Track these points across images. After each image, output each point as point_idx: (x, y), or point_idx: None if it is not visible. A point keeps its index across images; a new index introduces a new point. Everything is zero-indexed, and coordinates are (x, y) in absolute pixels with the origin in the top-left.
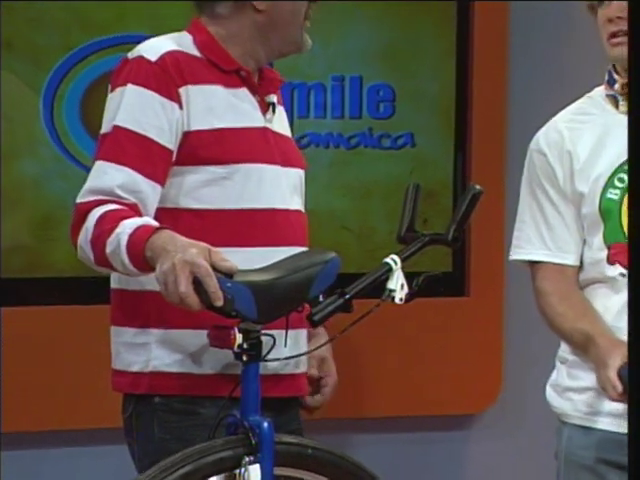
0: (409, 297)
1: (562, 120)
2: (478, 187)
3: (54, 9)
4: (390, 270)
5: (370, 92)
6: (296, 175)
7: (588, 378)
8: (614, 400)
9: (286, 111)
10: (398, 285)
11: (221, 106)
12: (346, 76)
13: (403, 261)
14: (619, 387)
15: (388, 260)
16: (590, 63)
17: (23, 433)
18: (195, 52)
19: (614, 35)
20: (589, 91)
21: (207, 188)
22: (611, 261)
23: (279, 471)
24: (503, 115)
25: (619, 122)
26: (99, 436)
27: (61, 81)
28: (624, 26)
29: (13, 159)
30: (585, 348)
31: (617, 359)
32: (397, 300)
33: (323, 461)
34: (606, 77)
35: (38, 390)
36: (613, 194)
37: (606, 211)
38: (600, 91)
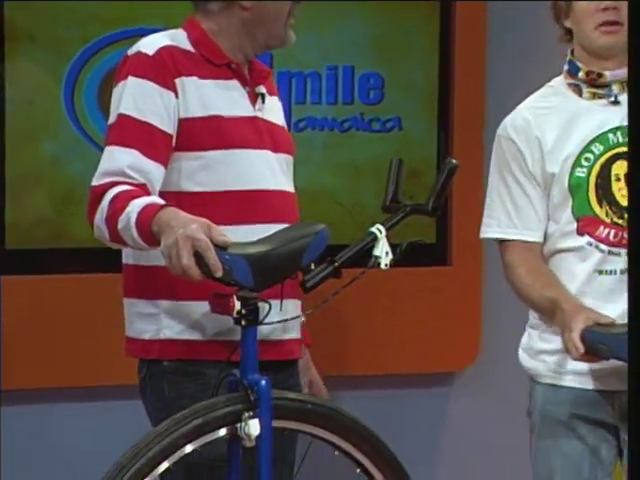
0: (393, 262)
1: (527, 108)
2: (454, 161)
3: (74, 6)
4: (376, 239)
5: (361, 80)
6: (285, 160)
7: (558, 341)
8: (577, 360)
9: (284, 97)
10: (383, 252)
11: (213, 96)
12: (339, 65)
13: (387, 230)
14: (581, 348)
15: (373, 229)
16: (561, 52)
17: (40, 389)
18: (189, 47)
19: (604, 24)
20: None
21: (204, 172)
22: (580, 232)
23: (282, 424)
24: (482, 100)
25: (584, 108)
26: (113, 392)
27: (80, 70)
28: (616, 17)
29: (37, 141)
30: (552, 314)
31: (580, 322)
32: (382, 266)
33: (322, 415)
34: (566, 67)
35: (55, 350)
36: (581, 172)
37: (575, 188)
38: (560, 80)
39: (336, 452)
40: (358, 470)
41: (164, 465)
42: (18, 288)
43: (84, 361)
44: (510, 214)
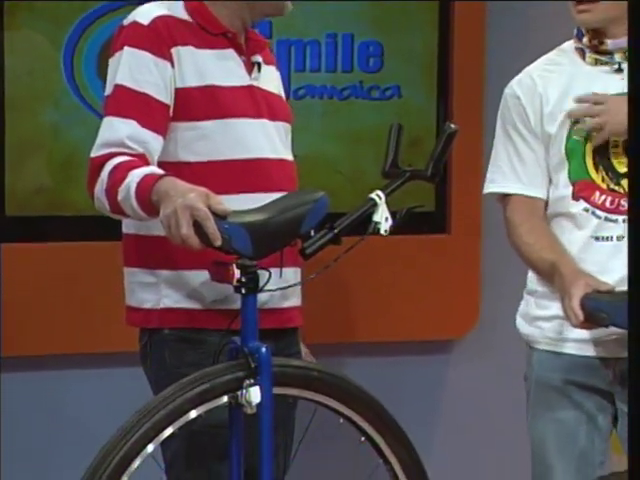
0: (393, 229)
1: (535, 68)
2: (453, 126)
3: None
4: (375, 205)
5: (361, 48)
6: (283, 128)
7: (555, 307)
8: (577, 327)
9: (283, 66)
10: (383, 218)
11: (209, 66)
12: (339, 33)
13: (387, 196)
14: (581, 315)
15: (373, 195)
16: (561, 19)
17: (40, 356)
18: (185, 16)
19: (577, 3)
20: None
21: (201, 142)
22: (575, 197)
23: (287, 391)
24: (481, 68)
25: (586, 73)
26: (113, 359)
27: (79, 38)
28: None
29: (37, 108)
30: (550, 277)
31: (579, 289)
32: (382, 231)
33: (327, 383)
34: (575, 31)
35: (55, 317)
36: (578, 136)
37: (571, 151)
38: (570, 44)
39: (340, 420)
40: (362, 438)
41: (169, 430)
42: (18, 255)
43: (84, 328)
44: (515, 168)
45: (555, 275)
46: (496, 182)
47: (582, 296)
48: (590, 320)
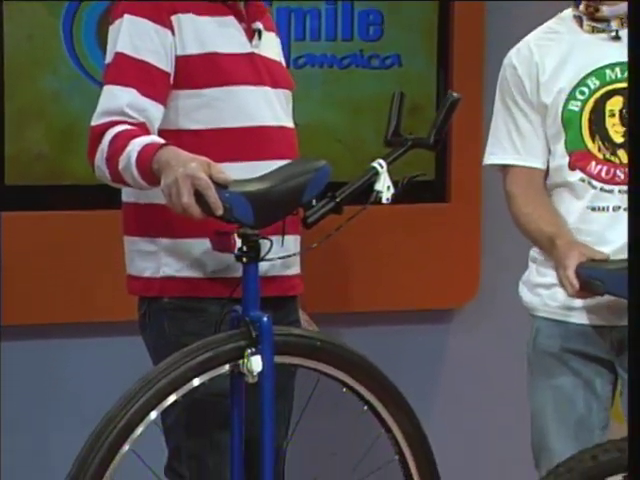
0: (395, 197)
1: (533, 37)
2: (455, 94)
3: None
4: (377, 173)
5: (361, 16)
6: (284, 95)
7: (554, 275)
8: (573, 297)
9: (283, 34)
10: (385, 187)
11: (210, 33)
12: (339, 2)
13: (389, 164)
14: (576, 285)
15: (374, 164)
16: None
17: (40, 325)
18: None
19: None
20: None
21: (202, 110)
22: (572, 167)
23: (290, 360)
24: (481, 37)
25: (583, 41)
26: (113, 328)
27: (79, 5)
28: None
29: (36, 76)
30: (547, 248)
31: (574, 259)
32: (384, 200)
33: (330, 352)
34: None
35: (55, 285)
36: (574, 106)
37: (567, 121)
38: (569, 12)
39: (343, 389)
40: (365, 407)
41: (172, 398)
42: (18, 224)
43: (84, 297)
44: (514, 140)
45: (551, 247)
46: (495, 154)
47: (577, 265)
48: (586, 289)
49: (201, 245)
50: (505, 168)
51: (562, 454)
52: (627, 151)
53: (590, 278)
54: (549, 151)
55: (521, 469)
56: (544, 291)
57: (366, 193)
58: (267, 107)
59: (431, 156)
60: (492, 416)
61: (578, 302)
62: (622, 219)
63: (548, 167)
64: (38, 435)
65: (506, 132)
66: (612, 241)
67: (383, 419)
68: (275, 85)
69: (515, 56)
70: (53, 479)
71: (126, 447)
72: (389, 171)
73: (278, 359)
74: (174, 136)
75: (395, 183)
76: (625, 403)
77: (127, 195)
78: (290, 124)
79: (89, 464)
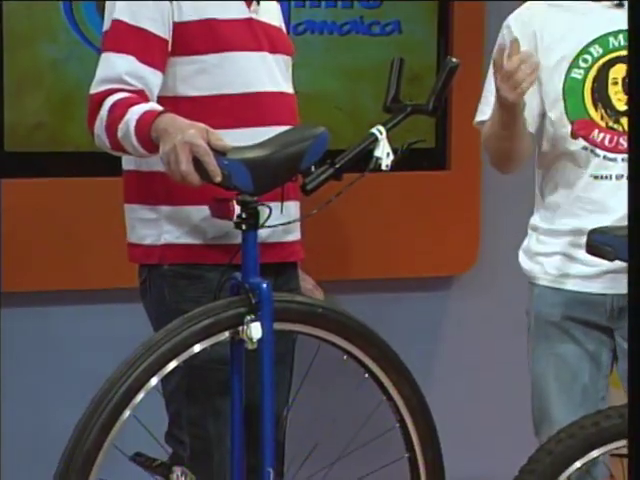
0: (394, 163)
1: (534, 4)
2: (454, 60)
3: None
4: (376, 140)
5: None
6: (283, 61)
7: (555, 243)
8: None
9: (283, 1)
10: (384, 153)
11: None
12: None
13: (388, 131)
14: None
15: (374, 130)
16: None
17: (40, 292)
18: None
19: None
20: None
21: (200, 76)
22: (574, 135)
23: (291, 327)
24: (482, 3)
25: (587, 8)
26: (113, 295)
27: None
28: None
29: (36, 43)
30: (500, 117)
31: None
32: (384, 166)
33: (331, 319)
34: None
35: (55, 252)
36: (577, 73)
37: (569, 89)
38: None
39: (344, 356)
40: (366, 375)
41: (173, 364)
42: (18, 191)
43: (84, 264)
44: None
45: (497, 113)
46: (484, 112)
47: (589, 230)
48: (596, 254)
49: (201, 212)
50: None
51: (563, 422)
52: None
53: (600, 244)
54: (544, 116)
55: (520, 434)
56: (544, 259)
57: (365, 160)
58: (266, 73)
59: (431, 123)
60: (491, 383)
61: (580, 270)
62: (625, 187)
63: (546, 136)
64: (38, 402)
65: (494, 91)
66: (615, 209)
67: (384, 386)
68: (274, 50)
69: (513, 19)
70: (54, 445)
71: (127, 413)
72: (388, 138)
73: (278, 326)
74: (172, 103)
75: (394, 150)
76: (621, 370)
77: (128, 163)
78: (290, 90)
79: (90, 429)
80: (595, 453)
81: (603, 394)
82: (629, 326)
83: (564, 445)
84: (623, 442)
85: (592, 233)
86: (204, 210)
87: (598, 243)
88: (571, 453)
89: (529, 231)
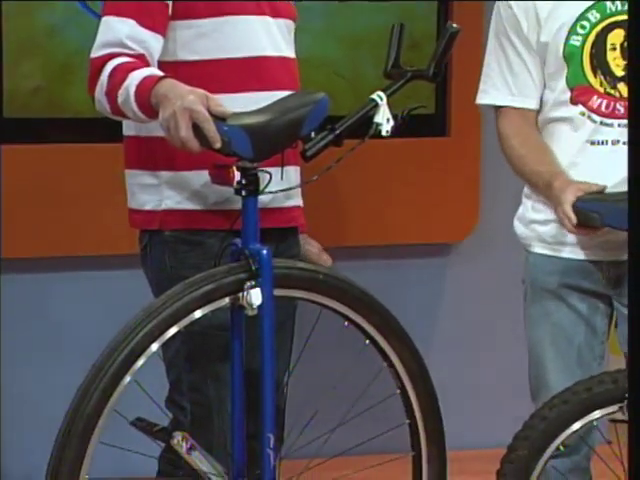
0: (394, 130)
1: None
2: (455, 26)
3: None
4: (376, 105)
5: None
6: (285, 25)
7: (550, 211)
8: (572, 232)
9: None
10: (384, 119)
11: None
12: None
13: (388, 96)
14: (574, 219)
15: (374, 96)
16: None
17: (40, 258)
18: None
19: None
20: None
21: (200, 41)
22: (574, 102)
23: (293, 293)
24: None
25: None
26: (113, 261)
27: None
28: None
29: (34, 9)
30: (543, 189)
31: (570, 194)
32: (384, 132)
33: (333, 286)
34: None
35: (56, 218)
36: (575, 40)
37: (569, 56)
38: None
39: (345, 323)
40: (367, 342)
41: (173, 329)
42: (18, 157)
43: (85, 230)
44: (506, 79)
45: (547, 187)
46: (487, 93)
47: (573, 200)
48: (584, 222)
49: (202, 177)
50: (498, 109)
51: (559, 388)
52: (627, 84)
53: (587, 211)
54: (545, 86)
55: (519, 401)
56: (540, 227)
57: (365, 126)
58: (267, 37)
59: (431, 90)
60: (490, 349)
61: (574, 237)
62: (621, 153)
63: (544, 102)
64: (38, 367)
65: (499, 71)
66: (611, 175)
67: (385, 353)
68: (276, 15)
69: None
70: (53, 410)
71: (128, 378)
72: (389, 104)
73: (279, 292)
74: (172, 68)
75: (395, 116)
76: (620, 334)
77: (128, 128)
78: (292, 54)
79: (91, 394)
80: (588, 418)
81: (599, 359)
82: (629, 291)
83: (558, 411)
84: (616, 407)
85: (578, 201)
86: (205, 175)
87: (584, 209)
88: (565, 418)
89: (523, 199)
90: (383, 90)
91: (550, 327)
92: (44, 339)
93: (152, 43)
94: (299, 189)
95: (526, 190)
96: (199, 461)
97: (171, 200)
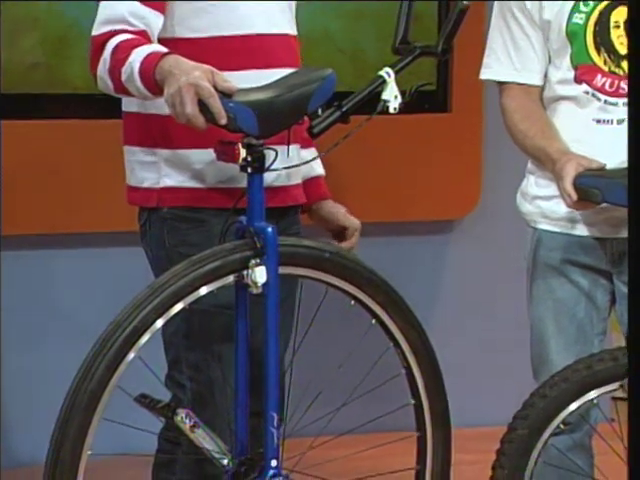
0: (402, 106)
1: None
2: (465, 2)
3: None
4: (384, 82)
5: None
6: (285, 2)
7: (553, 187)
8: (572, 208)
9: None
10: (392, 96)
11: None
12: None
13: (396, 73)
14: (574, 195)
15: (382, 73)
16: None
17: (40, 235)
18: None
19: None
20: None
21: (197, 18)
22: (578, 80)
23: (298, 271)
24: None
25: None
26: (113, 239)
27: None
28: None
29: None
30: (545, 163)
31: (571, 170)
32: (392, 109)
33: (339, 264)
34: None
35: (55, 196)
36: (578, 18)
37: (572, 34)
38: None
39: (352, 302)
40: (373, 321)
41: (179, 306)
42: (18, 133)
43: (84, 207)
44: (510, 55)
45: (548, 160)
46: (491, 67)
47: (574, 175)
48: (584, 198)
49: (200, 156)
50: (502, 84)
51: (561, 365)
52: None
53: (587, 187)
54: (550, 63)
55: (522, 379)
56: (544, 203)
57: (372, 102)
58: (266, 14)
59: (433, 66)
60: (492, 325)
61: (577, 213)
62: (626, 132)
63: (549, 79)
64: (38, 344)
65: (503, 47)
66: (616, 154)
67: (391, 332)
68: None
69: None
70: (54, 386)
71: (132, 355)
72: (396, 80)
73: (285, 270)
74: (171, 44)
75: (402, 93)
76: (619, 312)
77: (127, 105)
78: (293, 31)
79: (95, 370)
80: (588, 396)
81: (601, 336)
82: (629, 268)
83: (558, 389)
84: (616, 385)
85: (578, 177)
86: (204, 153)
87: (585, 186)
88: (565, 396)
89: (526, 174)
90: (391, 66)
91: (552, 304)
92: (45, 316)
93: (153, 19)
94: (301, 167)
95: (529, 165)
96: (202, 439)
97: (170, 178)
